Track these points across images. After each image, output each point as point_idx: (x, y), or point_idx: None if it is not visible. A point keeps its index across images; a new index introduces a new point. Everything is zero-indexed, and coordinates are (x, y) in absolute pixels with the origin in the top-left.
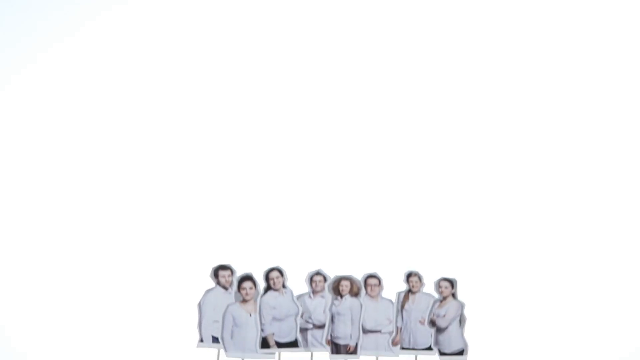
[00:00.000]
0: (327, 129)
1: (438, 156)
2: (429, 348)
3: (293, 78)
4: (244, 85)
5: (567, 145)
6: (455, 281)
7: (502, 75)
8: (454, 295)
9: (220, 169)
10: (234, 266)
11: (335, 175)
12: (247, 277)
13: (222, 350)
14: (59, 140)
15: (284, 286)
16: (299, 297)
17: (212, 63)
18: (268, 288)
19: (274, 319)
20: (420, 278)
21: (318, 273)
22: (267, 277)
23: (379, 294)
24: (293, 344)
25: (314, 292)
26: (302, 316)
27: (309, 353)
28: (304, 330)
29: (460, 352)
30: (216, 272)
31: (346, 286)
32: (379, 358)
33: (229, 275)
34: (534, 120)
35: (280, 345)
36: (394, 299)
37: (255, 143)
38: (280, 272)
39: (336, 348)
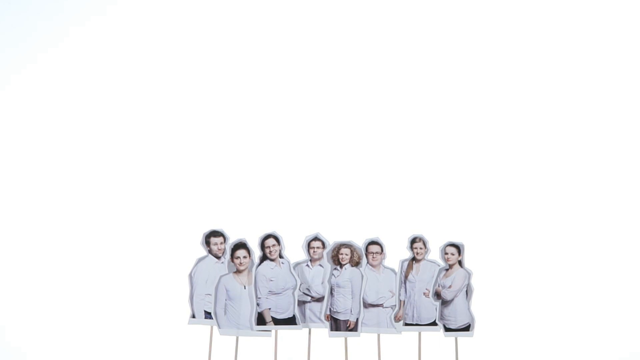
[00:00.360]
0: (327, 85)
1: (442, 110)
2: (434, 323)
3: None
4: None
5: (580, 105)
6: (463, 246)
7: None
8: (460, 263)
9: (208, 124)
10: (226, 232)
11: (333, 133)
12: (241, 245)
13: (215, 327)
14: (59, 140)
15: (280, 256)
16: (296, 265)
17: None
18: (264, 258)
19: (271, 292)
20: (425, 243)
21: (316, 238)
22: (262, 246)
23: (381, 263)
24: (291, 321)
25: (312, 260)
26: (299, 287)
27: (307, 329)
28: (301, 304)
29: (467, 328)
30: (207, 239)
31: (346, 254)
32: (381, 335)
33: (221, 243)
34: (543, 82)
35: (277, 321)
36: (396, 268)
37: (247, 101)
38: (277, 239)
39: (335, 324)
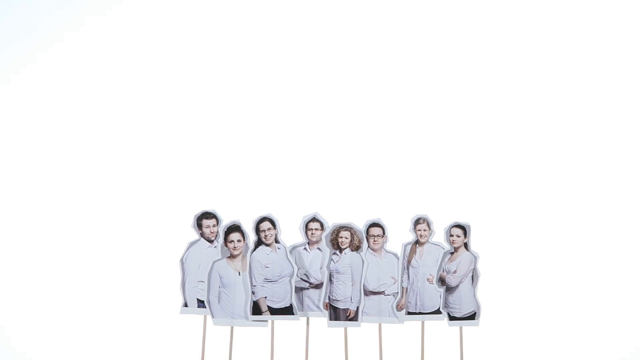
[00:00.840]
0: (326, 67)
1: (442, 88)
2: (438, 311)
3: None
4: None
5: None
6: (469, 227)
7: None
8: (466, 246)
9: (198, 103)
10: (219, 214)
11: (331, 109)
12: (234, 228)
13: (209, 317)
14: (59, 140)
15: (276, 241)
16: (293, 249)
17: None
18: (259, 242)
19: (266, 280)
20: (429, 224)
21: (314, 219)
22: (257, 229)
23: (382, 246)
24: (288, 311)
25: (310, 243)
26: (297, 273)
27: (305, 318)
28: (299, 290)
29: (472, 316)
30: (199, 221)
31: (346, 238)
32: (382, 325)
33: (214, 225)
34: (552, 63)
35: (273, 311)
36: (398, 252)
37: (239, 82)
38: (273, 222)
39: (335, 313)
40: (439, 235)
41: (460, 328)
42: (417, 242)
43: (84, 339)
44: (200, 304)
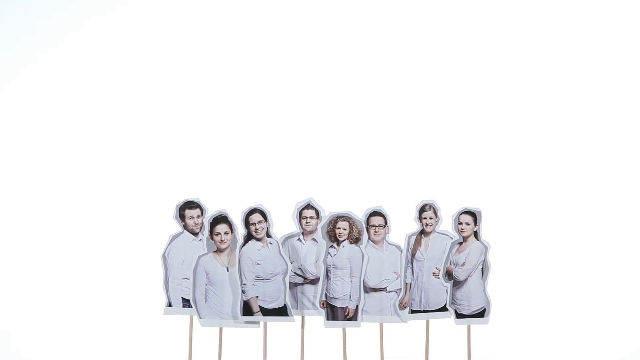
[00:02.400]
0: (322, 49)
1: (447, 66)
2: (444, 308)
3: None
4: None
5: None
6: (480, 213)
7: None
8: (476, 235)
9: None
10: (203, 204)
11: (327, 89)
12: (221, 219)
13: (195, 317)
14: (59, 140)
15: (268, 235)
16: (286, 240)
17: None
18: (249, 237)
19: (258, 278)
20: (436, 211)
21: (309, 206)
22: (246, 222)
23: (384, 238)
24: (282, 311)
25: (305, 233)
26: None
27: (300, 317)
28: (293, 286)
29: (481, 313)
30: (181, 211)
31: (344, 229)
32: (384, 324)
33: (198, 216)
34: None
35: (265, 311)
36: (401, 244)
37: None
38: (264, 214)
39: (332, 312)
40: (446, 224)
41: (469, 326)
42: (422, 232)
43: (62, 344)
44: (186, 303)
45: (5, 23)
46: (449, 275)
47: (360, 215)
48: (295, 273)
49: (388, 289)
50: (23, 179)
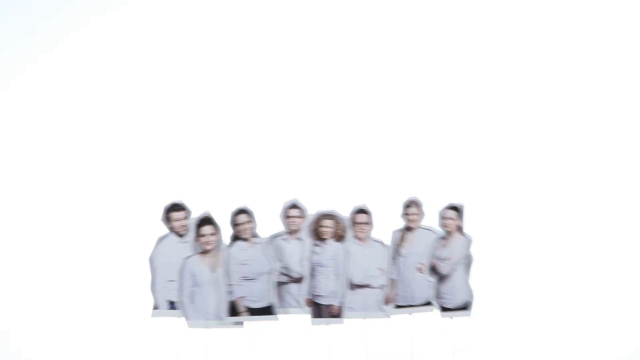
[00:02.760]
0: (305, 40)
1: (427, 62)
2: (429, 303)
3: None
4: None
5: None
6: (462, 208)
7: None
8: (460, 230)
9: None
10: (188, 206)
11: (310, 90)
12: (206, 220)
13: (182, 319)
14: (59, 140)
15: (254, 235)
16: (272, 239)
17: None
18: (235, 237)
19: (244, 278)
20: (420, 207)
21: (294, 206)
22: (233, 223)
23: (368, 235)
24: (268, 311)
25: (290, 232)
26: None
27: (286, 316)
28: (278, 285)
29: (465, 307)
30: (167, 214)
31: (329, 227)
32: (369, 320)
33: (183, 218)
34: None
35: (252, 311)
36: (385, 240)
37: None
38: (249, 215)
39: (318, 310)
40: (429, 220)
41: (452, 320)
42: (407, 228)
43: (49, 346)
44: (172, 305)
45: (5, 23)
46: (433, 270)
47: (344, 213)
48: (280, 272)
49: (372, 285)
50: (23, 179)
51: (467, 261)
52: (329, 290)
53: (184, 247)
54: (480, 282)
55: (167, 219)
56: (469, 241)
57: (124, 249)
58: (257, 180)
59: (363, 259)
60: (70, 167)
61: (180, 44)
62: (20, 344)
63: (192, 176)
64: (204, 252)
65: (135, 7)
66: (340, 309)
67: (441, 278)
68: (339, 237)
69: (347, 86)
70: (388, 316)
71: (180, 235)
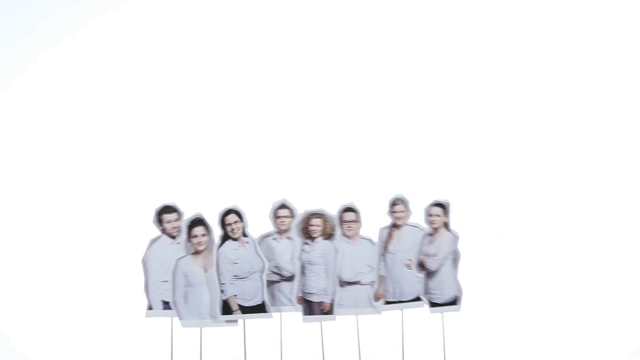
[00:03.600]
0: (295, 40)
1: (415, 58)
2: (418, 298)
3: None
4: None
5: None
6: (448, 204)
7: None
8: (446, 226)
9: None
10: (180, 208)
11: (299, 90)
12: (198, 222)
13: (176, 318)
14: (59, 140)
15: (244, 234)
16: (262, 239)
17: None
18: (225, 237)
19: (235, 276)
20: (406, 205)
21: (283, 206)
22: (222, 223)
23: (357, 232)
24: (260, 308)
25: (280, 232)
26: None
27: (278, 315)
28: (270, 284)
29: (454, 302)
30: (159, 216)
31: (317, 225)
32: (359, 316)
33: (175, 220)
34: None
35: (244, 309)
36: (373, 238)
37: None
38: (239, 215)
39: (309, 307)
40: (416, 217)
41: (442, 315)
42: (394, 226)
43: (44, 347)
44: (166, 305)
45: (5, 23)
46: (421, 266)
47: (331, 211)
48: (272, 271)
49: (362, 281)
50: (23, 178)
51: (455, 257)
52: (319, 288)
53: (177, 248)
54: (468, 277)
55: (159, 220)
56: (455, 237)
57: (117, 251)
58: (247, 180)
59: (352, 257)
60: (66, 169)
61: (173, 47)
62: (16, 345)
63: (183, 178)
64: (196, 252)
65: (135, 7)
66: (331, 305)
67: (429, 274)
68: (328, 235)
69: (334, 87)
70: (379, 312)
71: (173, 237)
